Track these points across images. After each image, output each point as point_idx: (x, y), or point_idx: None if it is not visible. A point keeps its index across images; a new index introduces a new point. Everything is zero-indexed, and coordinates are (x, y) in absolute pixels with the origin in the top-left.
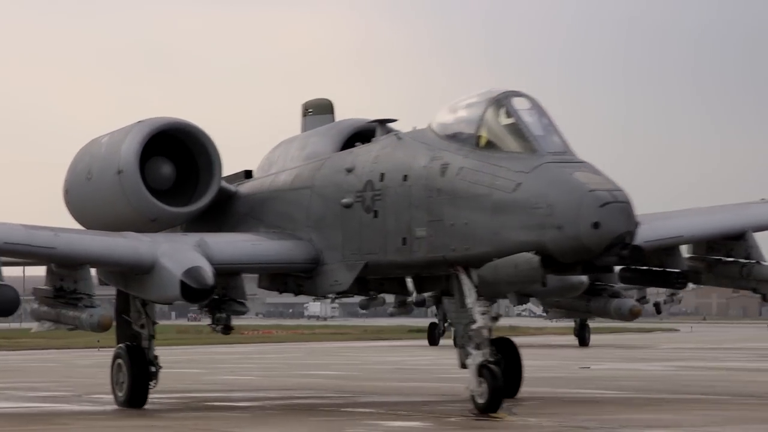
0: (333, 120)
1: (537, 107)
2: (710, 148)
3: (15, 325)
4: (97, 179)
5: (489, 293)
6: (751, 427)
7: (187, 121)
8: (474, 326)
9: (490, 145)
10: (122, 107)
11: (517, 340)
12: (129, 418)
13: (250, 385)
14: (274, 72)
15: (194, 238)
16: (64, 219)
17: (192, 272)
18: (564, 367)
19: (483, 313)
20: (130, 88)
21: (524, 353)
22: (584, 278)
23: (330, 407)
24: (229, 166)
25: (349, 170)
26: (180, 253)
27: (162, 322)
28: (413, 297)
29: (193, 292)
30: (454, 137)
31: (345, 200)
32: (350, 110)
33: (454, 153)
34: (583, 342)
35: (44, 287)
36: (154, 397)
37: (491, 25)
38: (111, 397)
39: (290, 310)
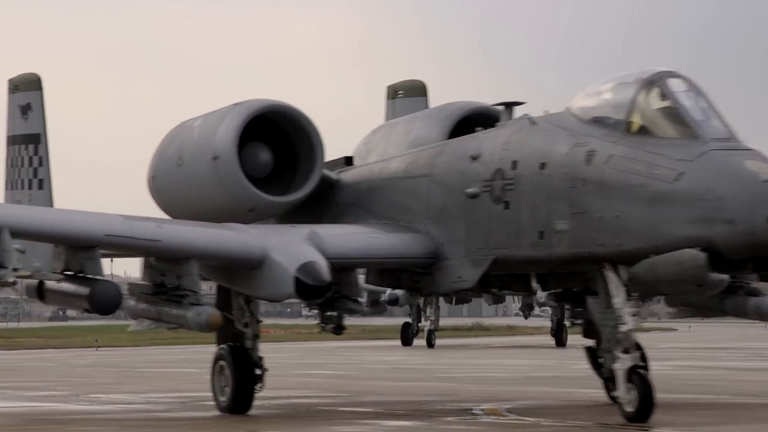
0: (427, 102)
1: (695, 89)
2: None
3: (13, 325)
4: (190, 166)
5: (643, 293)
6: (750, 426)
7: (288, 104)
8: (623, 328)
9: (644, 130)
10: (118, 106)
11: (502, 340)
12: (132, 420)
13: None
14: (272, 72)
15: (304, 229)
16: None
17: (307, 268)
18: (563, 366)
19: (633, 315)
20: (127, 87)
21: (504, 353)
22: (725, 275)
23: (328, 407)
24: None
25: (475, 157)
26: (292, 246)
27: None
28: (538, 295)
29: (308, 289)
30: (600, 122)
31: (470, 190)
32: (350, 108)
33: (600, 139)
34: (560, 342)
35: (142, 282)
36: (153, 397)
37: (488, 24)
38: (119, 396)
39: (288, 310)
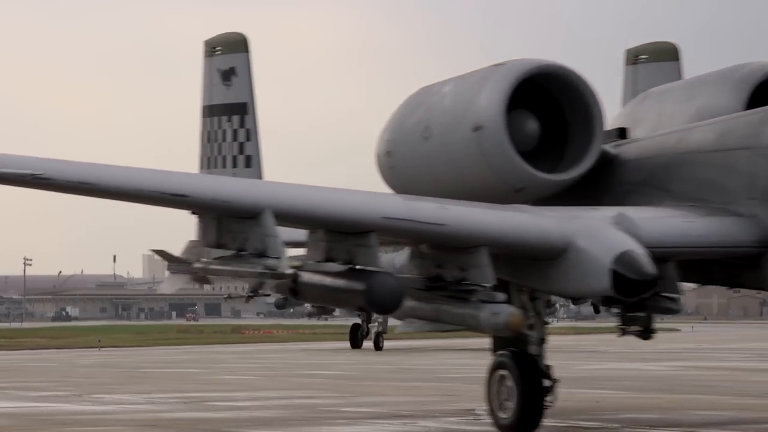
0: (680, 68)
1: None
2: None
3: (16, 325)
4: (441, 138)
5: None
6: (752, 427)
7: (561, 64)
8: None
9: None
10: (121, 105)
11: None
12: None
13: (251, 385)
14: (275, 72)
15: (609, 212)
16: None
17: (626, 258)
18: (565, 367)
19: None
20: (127, 86)
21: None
22: None
23: (330, 407)
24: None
25: None
26: (603, 232)
27: (162, 322)
28: None
29: (629, 284)
30: None
31: None
32: (356, 107)
33: None
34: None
35: (410, 276)
36: (156, 397)
37: (489, 23)
38: (122, 396)
39: (291, 310)
